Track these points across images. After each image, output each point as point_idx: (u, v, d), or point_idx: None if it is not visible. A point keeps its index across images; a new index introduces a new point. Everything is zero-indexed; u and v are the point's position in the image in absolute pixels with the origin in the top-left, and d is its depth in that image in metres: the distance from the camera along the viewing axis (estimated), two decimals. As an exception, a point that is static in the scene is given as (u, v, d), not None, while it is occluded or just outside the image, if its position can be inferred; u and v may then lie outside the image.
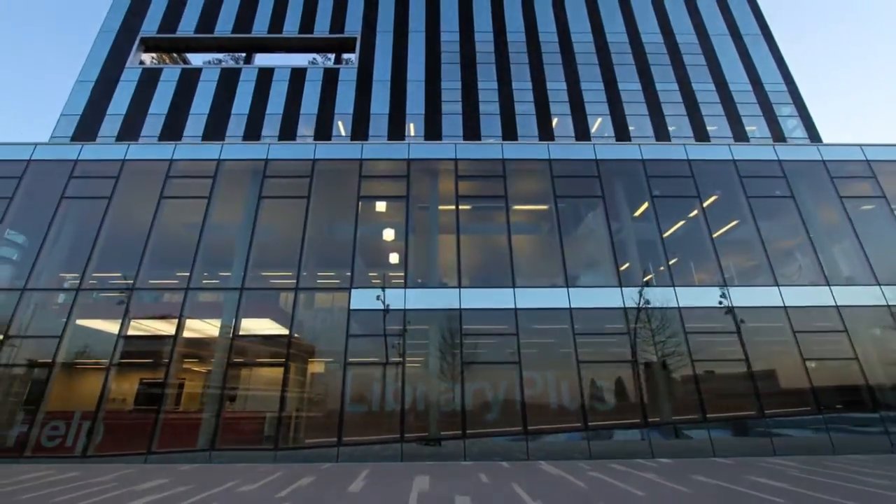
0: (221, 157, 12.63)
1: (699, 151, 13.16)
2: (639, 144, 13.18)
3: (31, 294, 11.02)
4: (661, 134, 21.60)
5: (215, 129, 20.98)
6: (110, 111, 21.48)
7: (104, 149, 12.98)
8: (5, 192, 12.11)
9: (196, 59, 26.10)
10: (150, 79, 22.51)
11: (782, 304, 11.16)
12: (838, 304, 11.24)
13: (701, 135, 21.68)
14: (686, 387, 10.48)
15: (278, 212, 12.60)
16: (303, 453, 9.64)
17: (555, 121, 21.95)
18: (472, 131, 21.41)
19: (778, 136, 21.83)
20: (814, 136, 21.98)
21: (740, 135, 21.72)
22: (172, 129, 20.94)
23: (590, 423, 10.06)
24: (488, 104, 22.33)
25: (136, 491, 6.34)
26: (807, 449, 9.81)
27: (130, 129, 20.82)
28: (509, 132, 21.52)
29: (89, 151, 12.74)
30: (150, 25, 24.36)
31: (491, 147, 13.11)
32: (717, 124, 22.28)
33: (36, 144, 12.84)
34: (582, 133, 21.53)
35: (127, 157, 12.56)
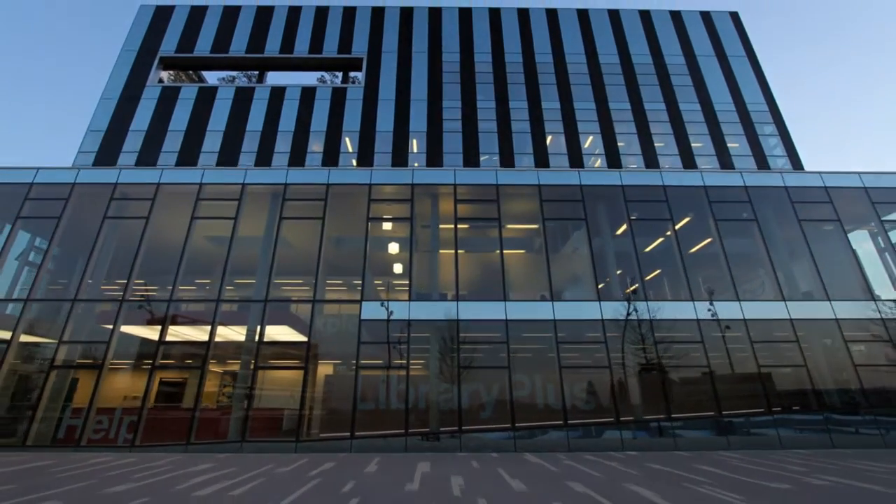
0: (245, 182, 14.15)
1: (673, 178, 14.64)
2: (619, 171, 14.66)
3: (81, 304, 12.53)
4: (649, 151, 23.07)
5: (231, 146, 22.51)
6: (133, 127, 23.03)
7: (140, 173, 14.48)
8: (54, 213, 13.63)
9: (211, 76, 27.67)
10: (169, 96, 24.04)
11: (742, 317, 12.64)
12: (792, 317, 12.71)
13: (686, 152, 23.15)
14: (654, 389, 11.96)
15: (297, 231, 14.11)
16: (320, 445, 11.15)
17: (549, 139, 23.43)
18: (471, 148, 22.89)
19: (759, 154, 23.29)
20: (793, 154, 23.44)
21: (723, 153, 23.19)
22: (191, 145, 22.48)
23: (570, 421, 11.55)
24: (487, 122, 23.81)
25: (192, 472, 7.83)
26: (758, 444, 11.28)
27: (152, 145, 22.36)
28: (506, 149, 23.02)
29: (127, 175, 14.26)
30: (169, 45, 25.91)
31: (487, 173, 14.60)
32: (702, 142, 23.76)
33: (79, 169, 14.37)
34: (574, 150, 23.00)
35: (161, 181, 14.08)
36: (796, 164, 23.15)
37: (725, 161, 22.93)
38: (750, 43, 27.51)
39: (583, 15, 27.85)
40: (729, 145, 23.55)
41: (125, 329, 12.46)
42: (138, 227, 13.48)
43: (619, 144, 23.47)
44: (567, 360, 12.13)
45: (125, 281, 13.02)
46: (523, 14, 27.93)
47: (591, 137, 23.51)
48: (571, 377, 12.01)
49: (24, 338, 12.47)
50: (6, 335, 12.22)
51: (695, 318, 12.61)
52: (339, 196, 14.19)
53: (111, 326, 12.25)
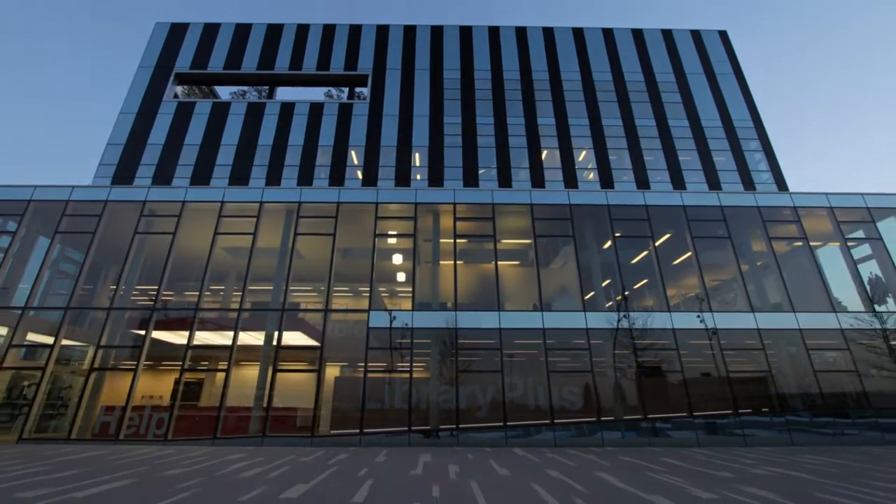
0: (263, 200, 15.48)
1: (654, 198, 15.94)
2: (605, 191, 15.97)
3: (115, 312, 13.88)
4: (639, 166, 24.39)
5: (244, 159, 23.87)
6: (150, 141, 24.40)
7: (167, 191, 15.82)
8: (88, 227, 14.98)
9: (223, 91, 29.02)
10: (184, 111, 25.41)
11: (714, 327, 13.94)
12: (759, 327, 14.01)
13: (674, 167, 24.47)
14: (633, 392, 13.27)
15: (309, 243, 15.44)
16: (332, 440, 12.47)
17: (544, 153, 24.76)
18: (470, 162, 24.23)
19: (744, 169, 24.60)
20: (775, 168, 24.74)
21: (710, 167, 24.50)
22: (206, 159, 23.84)
23: (556, 420, 12.86)
24: (485, 137, 25.15)
25: (229, 461, 9.15)
26: (725, 442, 12.58)
27: (169, 158, 23.73)
28: (503, 163, 24.35)
29: (155, 193, 15.60)
30: (184, 61, 27.29)
31: (483, 193, 15.91)
32: (689, 156, 25.08)
33: (111, 187, 15.72)
34: (568, 165, 24.33)
35: (186, 199, 15.41)
36: (779, 178, 24.47)
37: (712, 175, 24.24)
38: (737, 61, 28.84)
39: (578, 33, 29.19)
40: (715, 159, 24.88)
41: (156, 335, 13.81)
42: (166, 240, 14.82)
43: (611, 158, 24.82)
44: (554, 365, 13.44)
45: (155, 291, 14.38)
46: (521, 32, 29.28)
47: (584, 152, 24.84)
48: (558, 380, 13.32)
49: (64, 341, 13.83)
50: (49, 340, 13.57)
51: (671, 327, 13.91)
52: (348, 213, 15.53)
53: (143, 332, 13.59)
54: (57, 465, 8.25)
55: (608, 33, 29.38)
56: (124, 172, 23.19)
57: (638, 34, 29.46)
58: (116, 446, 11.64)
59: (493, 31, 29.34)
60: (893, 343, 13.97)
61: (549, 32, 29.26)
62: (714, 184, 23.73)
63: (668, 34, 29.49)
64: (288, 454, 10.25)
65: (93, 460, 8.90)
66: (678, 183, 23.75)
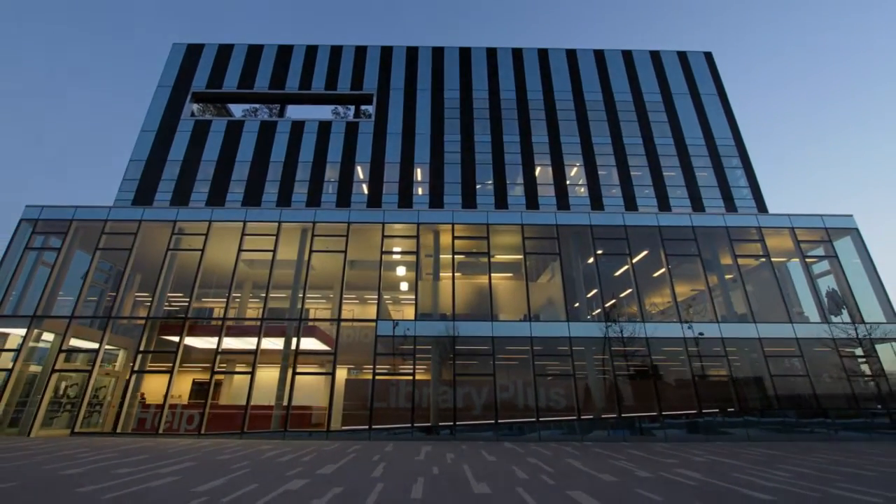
0: (281, 220, 17.26)
1: (633, 219, 17.70)
2: (588, 213, 17.73)
3: (152, 322, 15.65)
4: (626, 183, 26.13)
5: (257, 175, 25.64)
6: (170, 157, 26.18)
7: (195, 212, 17.60)
8: (125, 245, 16.76)
9: (236, 108, 30.78)
10: (201, 129, 27.19)
11: (682, 336, 15.70)
12: (723, 336, 15.76)
13: (659, 183, 26.21)
14: (610, 393, 15.03)
15: (322, 258, 17.20)
16: (344, 434, 14.23)
17: (538, 170, 26.53)
18: (469, 178, 25.98)
19: (724, 185, 26.34)
20: (754, 185, 26.48)
21: (692, 184, 26.24)
22: (222, 174, 25.61)
23: (541, 419, 14.62)
24: (483, 154, 26.90)
25: (263, 450, 10.91)
26: (687, 438, 14.33)
27: (187, 174, 25.50)
28: (499, 179, 26.10)
29: (185, 213, 17.38)
30: (200, 81, 29.10)
31: (479, 214, 17.67)
32: (674, 173, 26.82)
33: (145, 208, 17.50)
34: (560, 181, 26.08)
35: (212, 219, 17.19)
36: (757, 194, 26.22)
37: (694, 191, 25.99)
38: (721, 82, 30.60)
39: (571, 55, 30.96)
40: (698, 175, 26.62)
41: (188, 341, 15.58)
42: (195, 257, 16.60)
43: (601, 174, 26.58)
44: (540, 370, 15.21)
45: (183, 300, 16.14)
46: (517, 54, 31.05)
47: (575, 169, 26.61)
48: (543, 383, 15.09)
49: (107, 347, 15.61)
50: (94, 345, 15.36)
51: (645, 335, 15.66)
52: (357, 231, 17.30)
53: (177, 339, 15.37)
54: (122, 452, 10.03)
55: (599, 54, 31.13)
56: (146, 187, 24.96)
57: (627, 55, 31.21)
58: (159, 439, 13.41)
59: (491, 53, 31.12)
60: (842, 350, 15.73)
61: (543, 54, 31.03)
62: (696, 199, 25.47)
63: (655, 55, 31.25)
64: (310, 445, 12.02)
65: (149, 449, 10.67)
66: (663, 198, 25.49)
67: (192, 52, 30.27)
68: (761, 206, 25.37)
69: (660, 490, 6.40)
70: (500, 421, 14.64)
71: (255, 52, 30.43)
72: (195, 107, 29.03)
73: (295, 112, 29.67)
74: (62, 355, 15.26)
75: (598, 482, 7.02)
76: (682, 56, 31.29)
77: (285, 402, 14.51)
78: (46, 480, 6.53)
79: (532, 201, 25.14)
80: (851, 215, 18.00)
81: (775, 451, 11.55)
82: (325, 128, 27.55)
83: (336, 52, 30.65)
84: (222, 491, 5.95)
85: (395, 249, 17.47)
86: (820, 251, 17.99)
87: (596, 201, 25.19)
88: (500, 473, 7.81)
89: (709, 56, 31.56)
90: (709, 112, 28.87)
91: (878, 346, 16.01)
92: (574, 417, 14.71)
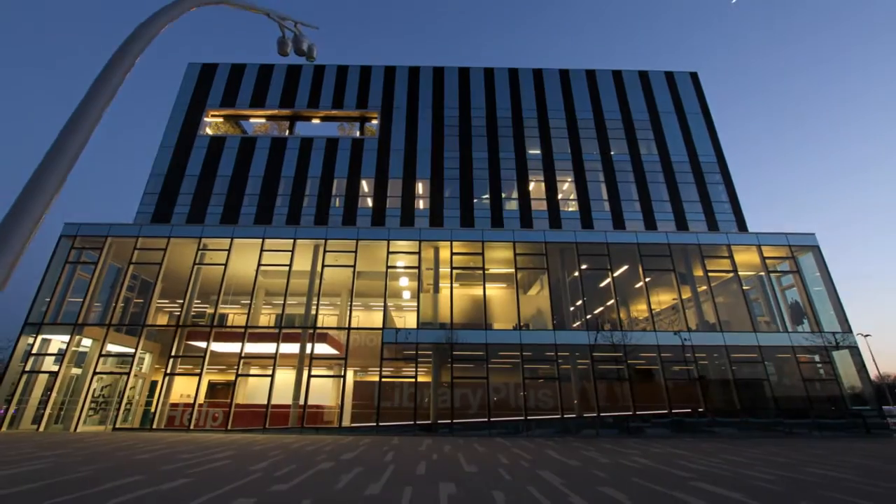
0: (296, 237, 19.09)
1: (614, 237, 19.53)
2: (574, 231, 19.58)
3: (182, 329, 17.49)
4: (614, 196, 27.95)
5: (269, 188, 27.47)
6: (188, 172, 28.01)
7: (218, 229, 19.44)
8: (156, 259, 18.59)
9: (248, 125, 32.60)
10: (216, 145, 29.02)
11: (656, 343, 17.52)
12: (693, 343, 17.59)
13: (644, 198, 28.02)
14: (590, 394, 16.86)
15: (333, 272, 19.02)
16: (355, 430, 16.06)
17: (531, 185, 28.36)
18: (467, 192, 27.80)
19: (706, 200, 28.16)
20: (733, 198, 28.34)
21: (676, 199, 28.05)
22: (237, 188, 27.43)
23: (529, 417, 16.45)
24: (480, 171, 28.73)
25: (289, 441, 12.72)
26: (657, 436, 16.15)
27: (204, 187, 27.33)
28: (496, 193, 27.93)
29: (209, 231, 19.21)
30: (214, 100, 30.96)
31: (475, 232, 19.52)
32: (659, 189, 28.62)
33: (172, 226, 19.35)
34: (552, 195, 27.88)
35: (234, 236, 19.02)
36: (736, 208, 28.06)
37: (678, 206, 27.81)
38: (706, 101, 32.42)
39: (564, 75, 32.81)
40: (681, 190, 28.43)
41: (214, 346, 17.42)
42: (219, 271, 18.43)
43: (590, 188, 28.41)
44: (528, 373, 17.04)
45: (204, 309, 17.96)
46: (513, 74, 32.88)
47: (566, 184, 28.45)
48: (531, 385, 16.93)
49: (140, 352, 17.44)
50: (130, 350, 17.19)
51: (622, 343, 17.49)
52: (366, 248, 19.14)
53: (205, 344, 17.20)
54: (170, 444, 11.85)
55: (590, 74, 32.97)
56: (166, 200, 26.79)
57: (617, 75, 33.04)
58: (191, 434, 15.24)
59: (489, 72, 32.95)
60: (800, 357, 17.57)
61: (538, 74, 32.86)
62: (679, 213, 27.30)
63: (644, 75, 33.09)
64: (326, 439, 13.86)
65: (190, 442, 12.49)
66: (648, 212, 27.31)
67: (207, 72, 32.10)
68: (740, 220, 27.21)
69: (610, 470, 8.22)
70: (492, 419, 16.47)
71: (265, 71, 32.28)
72: (210, 124, 30.88)
73: (304, 129, 31.50)
74: (101, 359, 17.08)
75: (564, 466, 8.84)
76: (669, 76, 33.12)
77: (301, 402, 16.35)
78: (131, 462, 8.35)
79: (526, 215, 26.95)
80: (813, 233, 19.84)
81: (728, 445, 13.38)
82: (332, 144, 29.38)
83: (342, 71, 32.49)
84: (271, 469, 7.77)
85: (399, 263, 19.31)
86: (786, 266, 19.82)
87: (585, 214, 27.01)
88: (487, 459, 9.64)
89: (694, 76, 33.39)
90: (693, 130, 30.69)
91: (834, 353, 17.85)
92: (558, 416, 16.54)
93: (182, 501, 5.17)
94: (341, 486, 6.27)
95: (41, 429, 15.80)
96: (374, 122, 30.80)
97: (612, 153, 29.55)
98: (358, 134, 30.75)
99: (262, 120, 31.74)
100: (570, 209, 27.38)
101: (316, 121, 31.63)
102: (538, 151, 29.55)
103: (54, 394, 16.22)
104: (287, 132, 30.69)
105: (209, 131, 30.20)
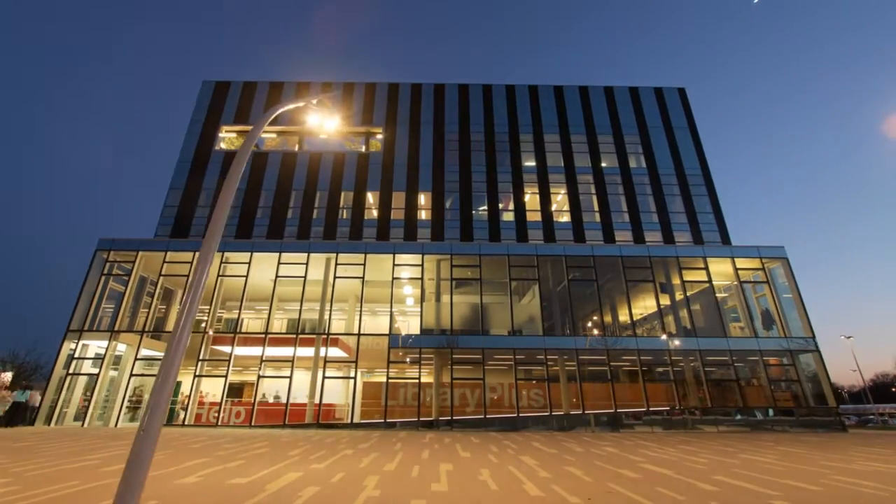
0: (310, 251, 21.00)
1: (600, 249, 21.39)
2: (562, 244, 21.45)
3: (207, 336, 19.42)
4: (604, 208, 29.77)
5: (281, 201, 29.37)
6: (205, 186, 29.91)
7: (239, 244, 21.37)
8: (183, 272, 20.52)
9: (258, 139, 34.34)
10: (231, 160, 30.87)
11: (636, 347, 19.38)
12: (670, 348, 19.44)
13: (633, 209, 29.83)
14: (576, 393, 18.73)
15: (345, 283, 20.93)
16: (365, 426, 17.96)
17: (526, 197, 30.20)
18: (466, 205, 29.65)
19: (691, 212, 29.96)
20: (717, 209, 30.12)
21: (663, 211, 29.85)
22: (251, 199, 29.34)
23: (521, 414, 18.33)
24: (479, 184, 30.57)
25: (310, 434, 14.62)
26: (636, 432, 18.01)
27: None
28: (493, 206, 29.77)
29: (231, 246, 21.13)
30: (227, 116, 32.88)
31: (473, 246, 21.41)
32: (647, 200, 30.43)
33: (199, 241, 21.25)
34: (546, 208, 29.71)
35: (253, 251, 20.94)
36: (720, 219, 29.85)
37: (664, 217, 29.62)
38: (693, 116, 34.19)
39: (558, 91, 34.64)
40: (668, 202, 30.23)
41: (238, 351, 19.35)
42: (240, 283, 20.35)
43: (581, 200, 30.24)
44: (520, 374, 18.93)
45: (220, 315, 19.87)
46: (510, 90, 34.71)
47: (559, 196, 30.29)
48: (523, 385, 18.80)
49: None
50: (160, 354, 19.11)
51: (606, 347, 19.36)
52: (373, 261, 21.04)
53: (229, 348, 19.12)
54: (210, 437, 13.77)
55: (583, 90, 34.79)
56: (183, 213, 28.70)
57: (609, 91, 34.85)
58: (221, 429, 17.16)
59: (487, 89, 34.79)
60: (767, 360, 19.41)
61: (533, 91, 34.69)
62: (666, 224, 29.11)
63: (634, 91, 34.88)
64: (342, 433, 15.77)
65: (224, 435, 14.41)
66: (636, 223, 29.12)
67: (220, 90, 34.02)
68: (723, 230, 29.00)
69: (578, 456, 10.10)
70: (488, 416, 18.36)
71: (276, 88, 34.19)
72: (224, 139, 32.78)
73: (312, 144, 33.37)
74: (138, 362, 19.03)
75: (542, 453, 10.72)
76: (658, 92, 34.91)
77: (316, 400, 18.27)
78: (189, 451, 10.25)
79: (521, 225, 28.78)
80: (783, 246, 21.64)
81: (692, 437, 15.24)
82: (339, 159, 31.27)
83: (348, 88, 34.37)
84: (306, 454, 9.66)
85: (404, 274, 21.21)
86: (758, 276, 21.65)
87: (577, 225, 28.84)
88: (480, 448, 11.53)
89: (682, 92, 35.17)
90: (680, 144, 32.48)
91: (799, 357, 19.69)
92: (547, 413, 18.42)
93: (248, 475, 7.07)
94: (364, 466, 8.16)
95: (84, 425, 17.73)
96: (379, 136, 32.64)
97: (602, 166, 31.36)
98: (363, 149, 32.62)
99: (273, 135, 33.64)
100: (563, 220, 29.20)
101: (324, 136, 33.44)
102: (533, 164, 31.37)
103: (96, 393, 18.15)
104: (297, 147, 32.58)
105: (223, 146, 32.10)
